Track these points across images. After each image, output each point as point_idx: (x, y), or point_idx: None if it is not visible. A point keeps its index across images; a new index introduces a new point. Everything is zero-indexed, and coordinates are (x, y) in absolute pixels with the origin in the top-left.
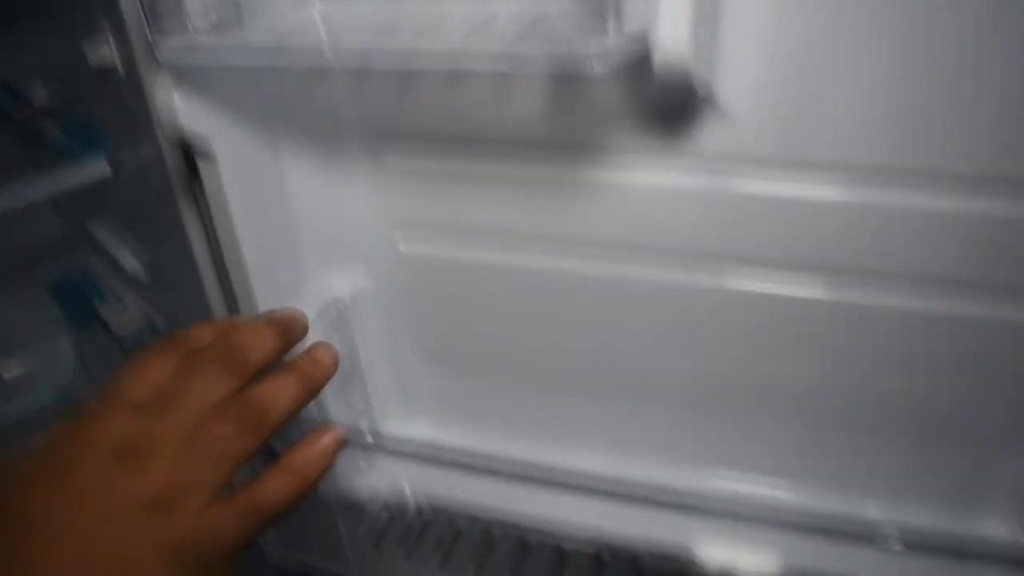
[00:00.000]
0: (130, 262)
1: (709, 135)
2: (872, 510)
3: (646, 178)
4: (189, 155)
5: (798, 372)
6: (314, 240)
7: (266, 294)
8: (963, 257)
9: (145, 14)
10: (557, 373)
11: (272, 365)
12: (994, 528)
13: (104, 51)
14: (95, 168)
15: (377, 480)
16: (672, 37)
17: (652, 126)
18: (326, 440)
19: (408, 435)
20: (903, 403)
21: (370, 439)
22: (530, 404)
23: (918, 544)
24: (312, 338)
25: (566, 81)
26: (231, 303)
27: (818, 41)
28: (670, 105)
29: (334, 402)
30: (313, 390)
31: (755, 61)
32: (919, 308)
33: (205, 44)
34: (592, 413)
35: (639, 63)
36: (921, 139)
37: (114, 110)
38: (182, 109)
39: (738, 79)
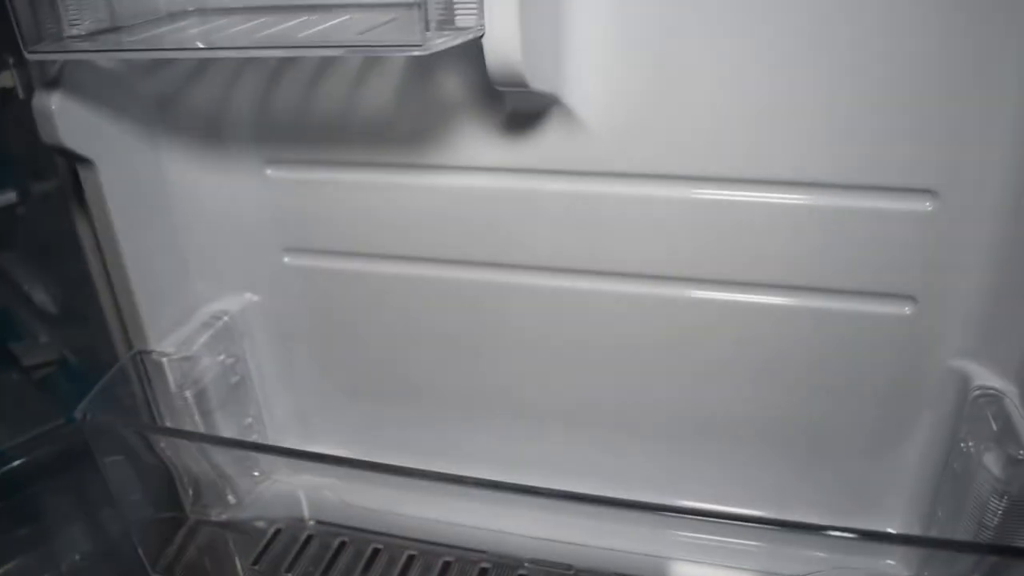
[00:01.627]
0: (39, 295)
1: (565, 145)
2: None
3: (509, 186)
4: (74, 166)
5: (665, 388)
6: (200, 253)
7: (154, 308)
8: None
9: (18, 24)
10: (456, 388)
11: None
12: None
13: (5, 76)
14: (2, 197)
15: (271, 503)
16: (500, 32)
17: (510, 137)
18: None
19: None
20: (771, 414)
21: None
22: (434, 425)
23: None
24: (198, 351)
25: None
26: (124, 321)
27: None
28: (522, 114)
29: (224, 422)
30: None
31: (606, 71)
32: (779, 311)
33: (75, 45)
34: (490, 431)
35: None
36: (778, 149)
37: (15, 135)
38: (58, 115)
39: (589, 88)
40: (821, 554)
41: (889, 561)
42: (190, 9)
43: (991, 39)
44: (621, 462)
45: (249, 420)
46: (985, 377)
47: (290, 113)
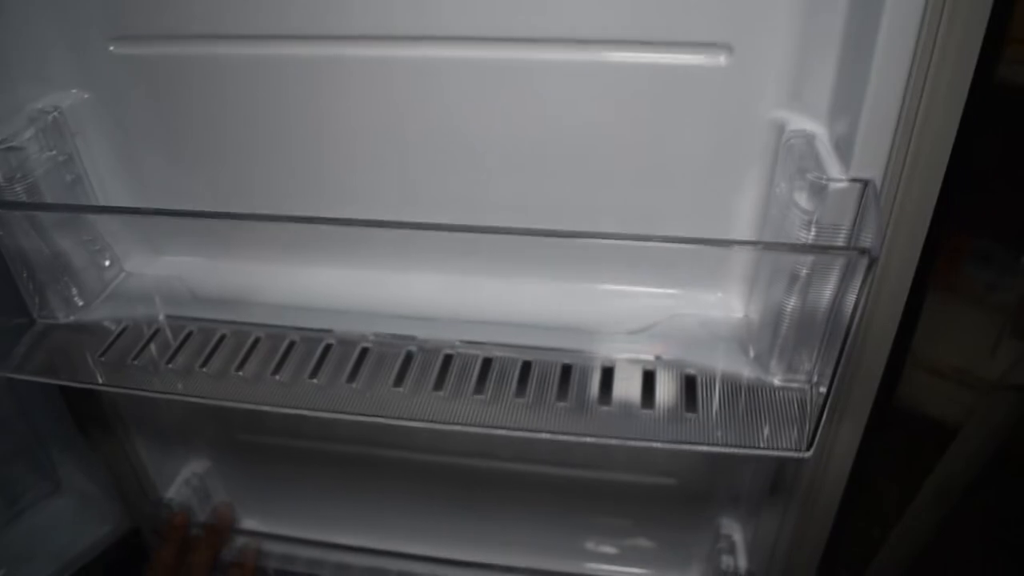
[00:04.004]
0: None
1: None
2: None
3: None
4: None
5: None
6: (20, 44)
7: None
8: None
9: None
10: (309, 181)
11: None
12: None
13: None
14: None
15: (120, 304)
16: None
17: None
18: None
19: (154, 271)
20: (604, 193)
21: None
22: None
23: None
24: (27, 147)
25: None
26: None
27: None
28: None
29: (60, 233)
30: None
31: None
32: (599, 69)
33: None
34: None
35: None
36: None
37: None
38: None
39: None
40: (658, 298)
41: (719, 294)
42: None
43: None
44: (461, 260)
45: (89, 235)
46: (798, 123)
47: None
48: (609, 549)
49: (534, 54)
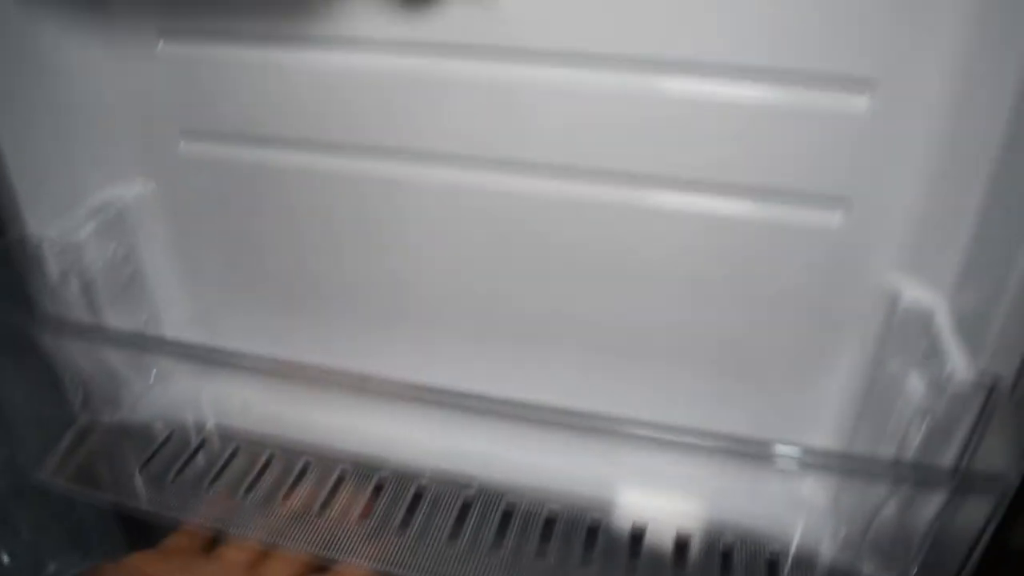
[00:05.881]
0: None
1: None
2: None
3: (414, 66)
4: None
5: (583, 299)
6: (89, 134)
7: (34, 195)
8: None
9: None
10: (369, 293)
11: None
12: None
13: None
14: None
15: (167, 406)
16: None
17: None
18: None
19: (205, 374)
20: (695, 331)
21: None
22: (346, 333)
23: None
24: (85, 239)
25: None
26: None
27: None
28: None
29: (116, 321)
30: None
31: None
32: (708, 215)
33: None
34: (405, 340)
35: None
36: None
37: None
38: None
39: None
40: (737, 475)
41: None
42: None
43: None
44: (534, 375)
45: (145, 318)
46: (916, 292)
47: None
48: None
49: (639, 194)
